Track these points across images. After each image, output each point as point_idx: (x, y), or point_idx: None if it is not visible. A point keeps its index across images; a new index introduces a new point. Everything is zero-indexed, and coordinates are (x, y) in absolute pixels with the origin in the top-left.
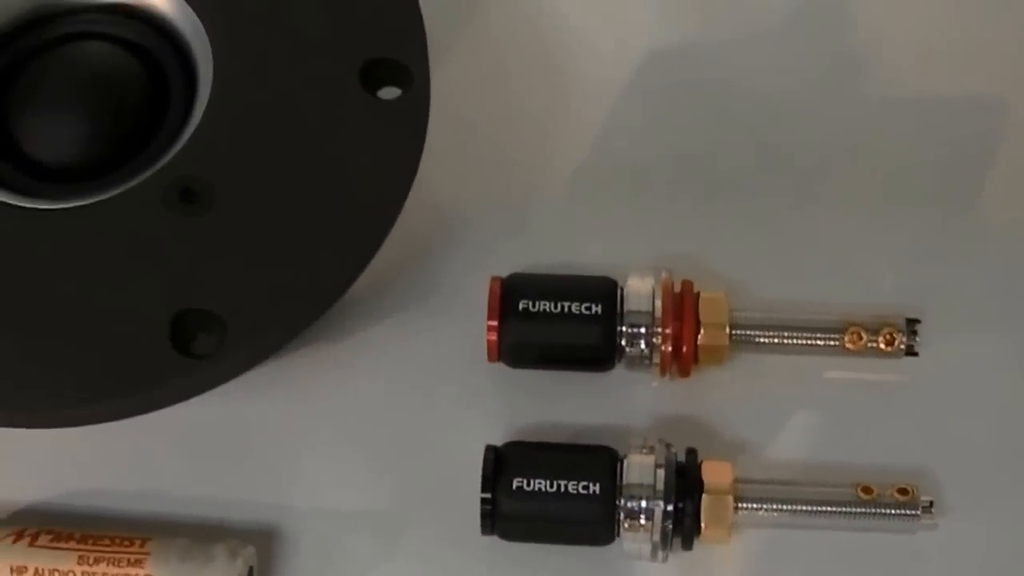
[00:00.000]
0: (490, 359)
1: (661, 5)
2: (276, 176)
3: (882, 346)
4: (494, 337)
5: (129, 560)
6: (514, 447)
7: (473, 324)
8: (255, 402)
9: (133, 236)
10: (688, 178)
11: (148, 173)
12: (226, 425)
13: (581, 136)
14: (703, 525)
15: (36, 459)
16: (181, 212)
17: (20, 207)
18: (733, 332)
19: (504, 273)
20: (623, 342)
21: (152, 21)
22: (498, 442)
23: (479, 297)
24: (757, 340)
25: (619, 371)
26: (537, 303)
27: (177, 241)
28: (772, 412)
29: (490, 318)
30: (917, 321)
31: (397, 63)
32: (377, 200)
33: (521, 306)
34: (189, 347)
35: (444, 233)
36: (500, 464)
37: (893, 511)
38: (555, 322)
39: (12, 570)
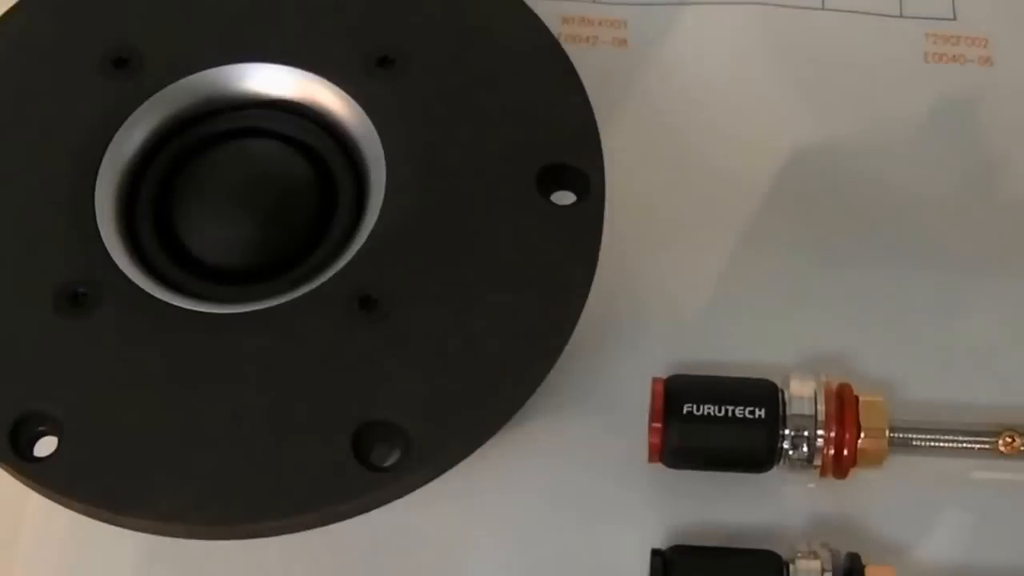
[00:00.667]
0: (650, 460)
1: (808, 106)
2: (453, 282)
3: None
4: (657, 440)
5: None
6: (680, 553)
7: (629, 424)
8: (417, 508)
9: (313, 344)
10: (835, 278)
11: (323, 279)
12: (386, 531)
13: (728, 238)
14: None
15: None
16: (361, 320)
17: (192, 311)
18: (891, 435)
19: (655, 372)
20: (785, 445)
21: (319, 119)
22: (658, 543)
23: (634, 397)
24: (913, 443)
25: (776, 472)
26: (701, 406)
27: (357, 350)
28: (926, 512)
29: (654, 420)
30: None
31: (574, 169)
32: (557, 307)
33: (686, 409)
34: (369, 458)
35: (598, 332)
36: (667, 571)
37: None
38: (719, 425)
39: None
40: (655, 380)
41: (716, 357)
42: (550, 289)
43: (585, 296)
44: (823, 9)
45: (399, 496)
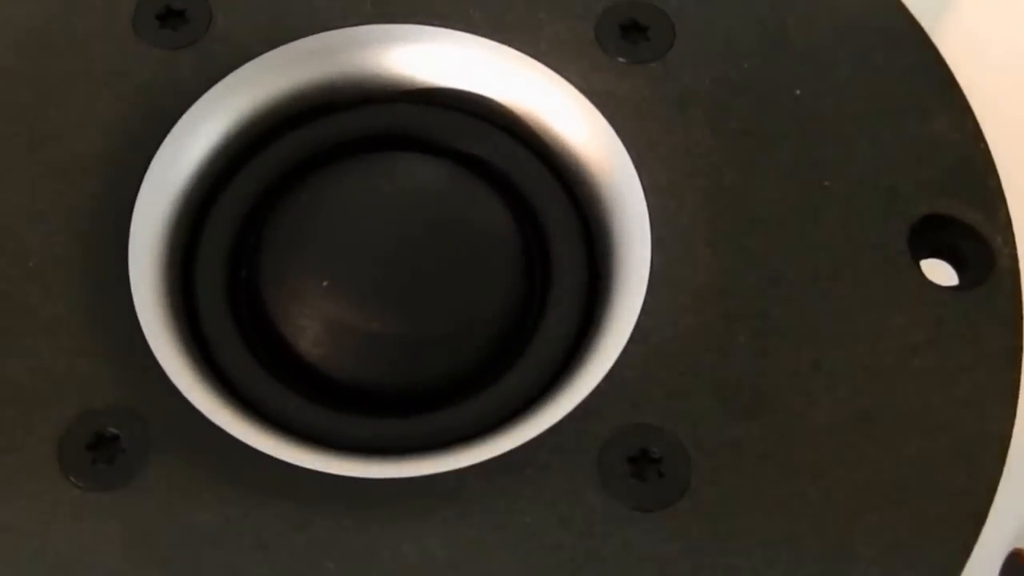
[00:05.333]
0: None
1: None
2: (791, 438)
3: None
4: None
5: None
6: None
7: None
8: None
9: (559, 537)
10: None
11: (546, 419)
12: None
13: None
14: None
15: None
16: (635, 499)
17: (321, 474)
18: None
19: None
20: None
21: (527, 133)
22: None
23: None
24: None
25: None
26: None
27: (634, 547)
28: None
29: None
30: None
31: (962, 226)
32: (965, 493)
33: None
34: None
35: None
36: None
37: None
38: None
39: None
40: (1020, 555)
41: None
42: (954, 455)
43: (1000, 471)
44: None
45: None
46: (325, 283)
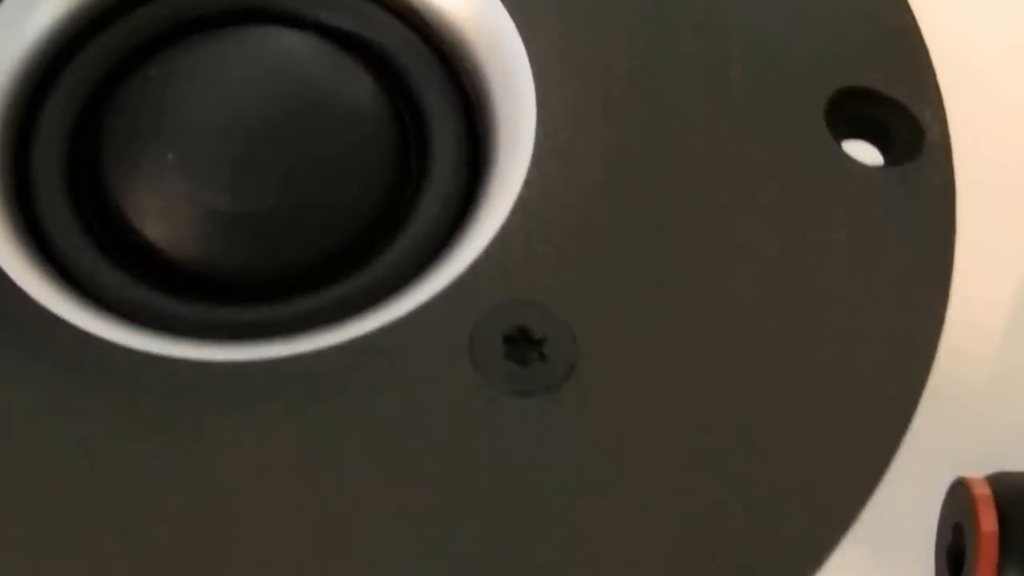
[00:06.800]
0: None
1: None
2: (690, 314)
3: None
4: None
5: None
6: None
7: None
8: None
9: (412, 435)
10: None
11: (414, 300)
12: None
13: None
14: None
15: None
16: (511, 381)
17: (163, 358)
18: None
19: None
20: None
21: (395, 4)
22: None
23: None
24: None
25: None
26: None
27: (508, 452)
28: None
29: (983, 558)
30: None
31: (890, 103)
32: (897, 375)
33: None
34: None
35: None
36: None
37: None
38: None
39: None
40: (970, 482)
41: None
42: (882, 339)
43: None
44: None
45: None
46: (170, 155)
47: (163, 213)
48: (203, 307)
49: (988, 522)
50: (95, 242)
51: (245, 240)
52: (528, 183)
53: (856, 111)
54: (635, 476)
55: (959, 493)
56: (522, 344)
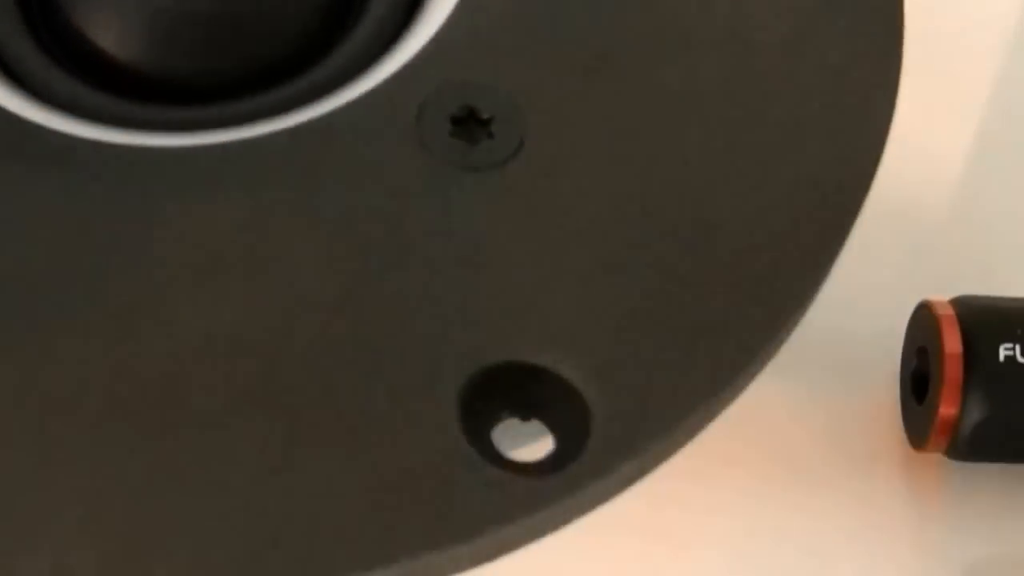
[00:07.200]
0: (921, 446)
1: None
2: (634, 104)
3: None
4: (953, 411)
5: None
6: None
7: (865, 387)
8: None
9: (361, 210)
10: None
11: (367, 83)
12: None
13: None
14: None
15: None
16: (459, 159)
17: (106, 144)
18: None
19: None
20: None
21: None
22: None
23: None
24: None
25: None
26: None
27: (457, 223)
28: None
29: (948, 379)
30: None
31: None
32: (846, 161)
33: (1003, 355)
34: (492, 442)
35: None
36: None
37: None
38: None
39: None
40: (934, 305)
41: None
42: (828, 125)
43: (883, 144)
44: None
45: (557, 522)
46: None
47: (112, 15)
48: (156, 108)
49: (952, 343)
50: (46, 51)
51: (193, 40)
52: None
53: None
54: (582, 249)
55: (923, 316)
56: (470, 123)
